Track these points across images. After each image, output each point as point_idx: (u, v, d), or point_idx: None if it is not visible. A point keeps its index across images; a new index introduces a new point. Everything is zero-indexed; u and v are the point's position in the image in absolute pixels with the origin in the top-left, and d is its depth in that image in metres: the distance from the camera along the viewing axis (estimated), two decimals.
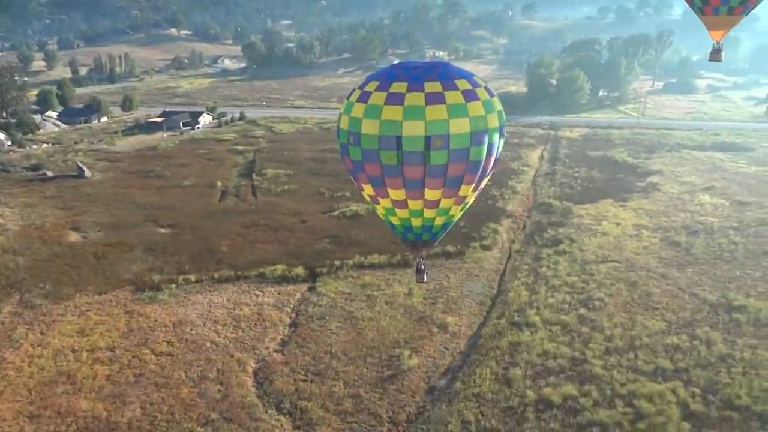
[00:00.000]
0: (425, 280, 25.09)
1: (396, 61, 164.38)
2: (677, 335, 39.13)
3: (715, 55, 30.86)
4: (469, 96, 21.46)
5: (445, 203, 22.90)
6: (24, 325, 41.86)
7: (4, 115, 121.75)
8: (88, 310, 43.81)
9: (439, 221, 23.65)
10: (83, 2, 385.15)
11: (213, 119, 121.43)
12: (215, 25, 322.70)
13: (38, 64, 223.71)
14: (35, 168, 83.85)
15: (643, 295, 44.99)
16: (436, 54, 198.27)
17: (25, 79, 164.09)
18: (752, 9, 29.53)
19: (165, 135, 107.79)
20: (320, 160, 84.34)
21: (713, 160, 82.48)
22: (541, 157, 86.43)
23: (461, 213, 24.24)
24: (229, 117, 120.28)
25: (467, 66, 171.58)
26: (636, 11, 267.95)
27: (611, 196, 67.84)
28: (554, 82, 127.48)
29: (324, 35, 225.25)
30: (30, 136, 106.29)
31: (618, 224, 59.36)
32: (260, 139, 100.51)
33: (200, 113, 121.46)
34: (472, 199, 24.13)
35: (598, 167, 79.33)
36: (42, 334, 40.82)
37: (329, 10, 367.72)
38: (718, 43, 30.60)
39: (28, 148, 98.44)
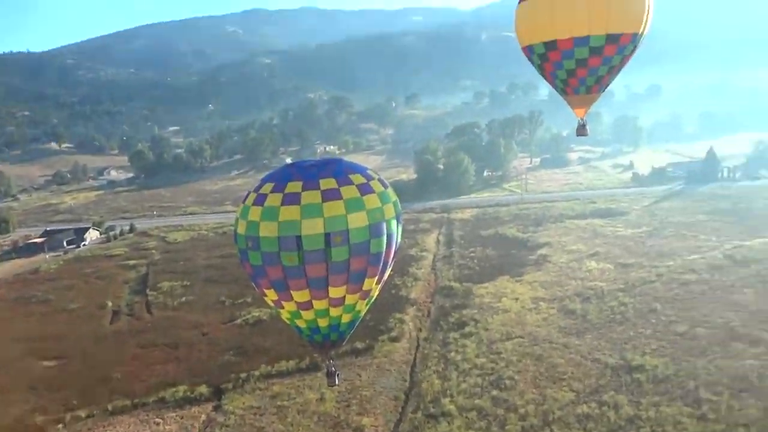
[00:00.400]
0: (336, 382, 24.37)
1: (288, 159, 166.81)
2: (586, 403, 40.13)
3: (581, 130, 33.60)
4: (365, 189, 21.95)
5: (350, 299, 22.78)
6: None
7: None
8: None
9: (345, 319, 23.42)
10: None
11: (100, 234, 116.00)
12: (99, 136, 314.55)
13: None
14: None
15: (549, 368, 46.09)
16: (327, 149, 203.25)
17: None
18: (606, 87, 32.57)
19: (47, 256, 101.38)
20: (218, 267, 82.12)
21: (594, 226, 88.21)
22: (437, 240, 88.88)
23: (367, 308, 24.17)
24: (118, 230, 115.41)
25: (358, 158, 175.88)
26: (508, 95, 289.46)
27: (507, 272, 70.34)
28: (441, 166, 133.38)
29: (214, 138, 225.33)
30: None
31: (517, 299, 61.28)
32: (153, 251, 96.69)
33: (86, 229, 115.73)
34: (377, 292, 24.14)
35: (492, 245, 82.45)
36: None
37: (217, 114, 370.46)
38: (582, 119, 33.39)
39: None
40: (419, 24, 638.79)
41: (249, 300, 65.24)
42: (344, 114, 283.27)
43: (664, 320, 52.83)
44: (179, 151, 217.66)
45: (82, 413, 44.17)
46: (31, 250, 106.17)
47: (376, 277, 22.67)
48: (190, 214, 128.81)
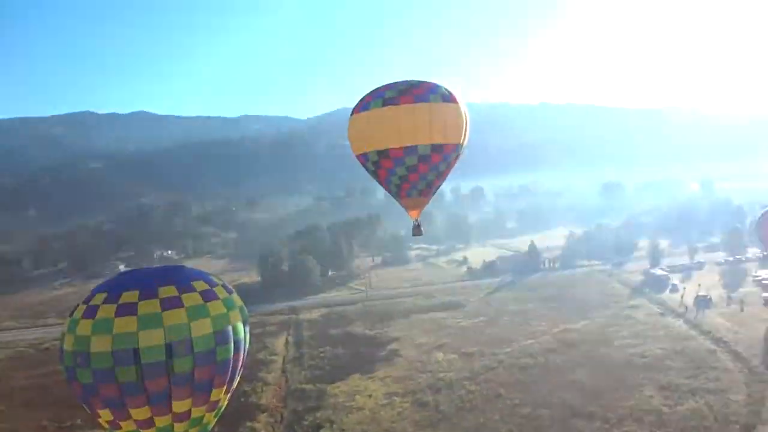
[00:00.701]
0: None
1: (122, 266, 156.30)
2: None
3: (416, 230, 36.43)
4: (208, 296, 21.60)
5: (196, 413, 21.73)
6: None
7: None
8: None
9: None
10: None
11: None
12: None
13: None
14: None
15: None
16: (165, 254, 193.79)
17: None
18: (436, 191, 35.91)
19: None
20: (40, 387, 72.82)
21: (437, 319, 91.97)
22: (286, 342, 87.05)
23: (215, 419, 23.10)
24: None
25: (199, 262, 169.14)
26: (346, 198, 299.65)
27: (358, 369, 70.41)
28: (286, 268, 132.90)
29: (34, 246, 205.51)
30: None
31: (371, 396, 61.37)
32: None
33: None
34: (226, 402, 23.26)
35: (342, 344, 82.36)
36: None
37: (39, 219, 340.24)
38: (416, 220, 36.27)
39: None
40: (257, 131, 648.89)
41: (78, 422, 58.48)
42: (182, 218, 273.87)
43: (509, 404, 55.68)
44: None
45: None
46: None
47: (225, 387, 22.04)
48: (5, 329, 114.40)
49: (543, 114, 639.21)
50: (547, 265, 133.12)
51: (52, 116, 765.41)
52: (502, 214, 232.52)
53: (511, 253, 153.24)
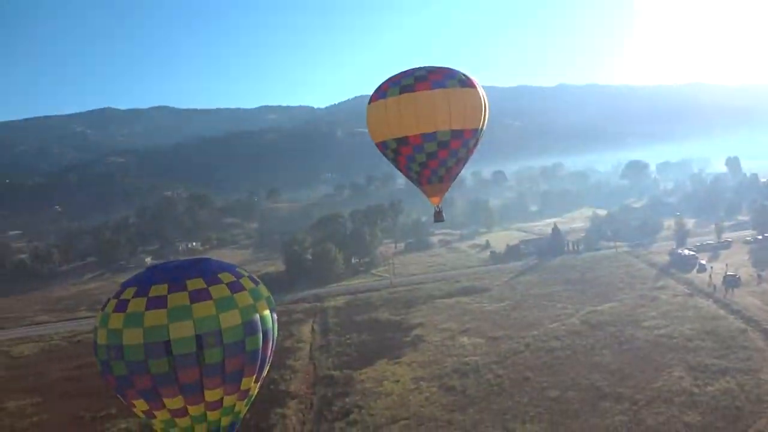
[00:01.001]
0: None
1: (148, 259, 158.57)
2: None
3: (438, 216, 36.39)
4: (235, 287, 21.85)
5: (228, 401, 22.09)
6: None
7: None
8: None
9: (225, 422, 22.62)
10: None
11: None
12: None
13: None
14: None
15: None
16: (190, 246, 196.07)
17: None
18: (456, 176, 35.78)
19: None
20: (75, 378, 74.54)
21: (461, 304, 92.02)
22: (312, 330, 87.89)
23: (247, 407, 23.48)
24: None
25: (223, 253, 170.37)
26: (367, 185, 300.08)
27: (385, 355, 70.88)
28: (309, 257, 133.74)
29: (62, 241, 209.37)
30: None
31: (398, 381, 61.78)
32: None
33: None
34: (256, 390, 23.58)
35: (367, 330, 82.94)
36: None
37: (65, 215, 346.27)
38: (437, 206, 36.17)
39: None
40: (275, 122, 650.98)
41: (113, 411, 59.79)
42: (205, 210, 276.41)
43: (537, 387, 55.73)
44: (22, 256, 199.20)
45: None
46: None
47: (255, 375, 22.33)
48: (38, 323, 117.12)
49: (563, 96, 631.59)
50: (571, 247, 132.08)
51: (74, 114, 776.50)
52: (524, 197, 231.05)
53: (535, 236, 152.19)
